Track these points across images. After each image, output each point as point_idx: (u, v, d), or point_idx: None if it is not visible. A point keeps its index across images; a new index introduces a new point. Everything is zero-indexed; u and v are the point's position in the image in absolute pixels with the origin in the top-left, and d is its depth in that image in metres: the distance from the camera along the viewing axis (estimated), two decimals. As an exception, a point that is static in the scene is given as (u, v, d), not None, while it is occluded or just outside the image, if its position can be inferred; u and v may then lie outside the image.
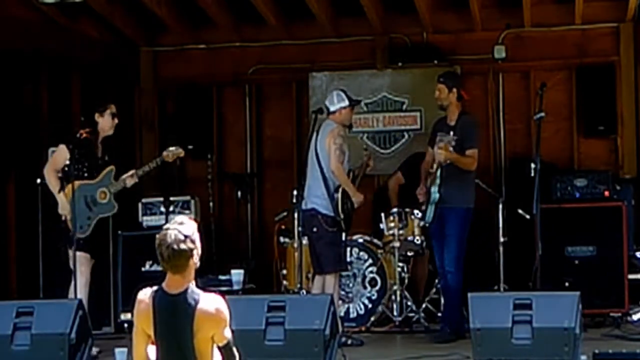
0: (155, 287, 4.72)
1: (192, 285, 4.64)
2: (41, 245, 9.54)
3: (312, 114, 9.21)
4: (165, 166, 8.71)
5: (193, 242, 4.61)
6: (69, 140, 8.38)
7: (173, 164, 8.79)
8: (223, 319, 4.62)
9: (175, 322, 4.57)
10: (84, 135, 8.42)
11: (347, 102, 8.66)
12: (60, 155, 8.33)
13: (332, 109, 8.71)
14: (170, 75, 11.59)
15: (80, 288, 8.06)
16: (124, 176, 8.48)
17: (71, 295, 8.05)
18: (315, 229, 8.57)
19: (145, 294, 4.71)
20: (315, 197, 8.55)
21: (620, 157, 10.69)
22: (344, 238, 8.63)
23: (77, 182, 8.23)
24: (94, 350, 8.11)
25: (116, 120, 8.50)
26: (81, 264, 8.13)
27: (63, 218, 8.26)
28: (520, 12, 10.49)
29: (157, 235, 4.63)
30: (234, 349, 4.72)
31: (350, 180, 8.67)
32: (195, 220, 4.78)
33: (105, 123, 8.45)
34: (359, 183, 8.86)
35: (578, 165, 10.73)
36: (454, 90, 8.71)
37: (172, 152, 8.64)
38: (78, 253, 8.09)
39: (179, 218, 4.70)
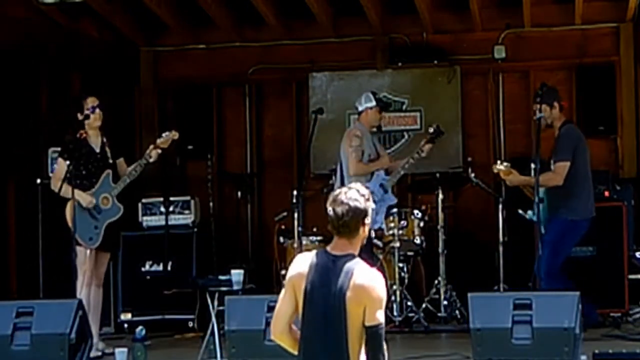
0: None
1: (356, 254, 4.42)
2: (41, 245, 9.54)
3: (312, 114, 9.24)
4: (165, 166, 8.65)
5: (367, 212, 4.41)
6: (63, 150, 8.28)
7: (173, 164, 8.76)
8: (378, 295, 4.30)
9: (329, 280, 4.33)
10: (84, 135, 8.36)
11: (373, 103, 8.79)
12: (60, 168, 8.25)
13: (359, 108, 8.93)
14: (170, 75, 11.59)
15: (80, 286, 8.06)
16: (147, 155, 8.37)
17: (79, 295, 8.00)
18: None
19: (305, 253, 4.50)
20: None
21: (620, 157, 10.69)
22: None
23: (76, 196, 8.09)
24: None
25: (99, 112, 8.30)
26: (82, 262, 8.11)
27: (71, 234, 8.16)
28: (520, 12, 10.49)
29: (333, 193, 4.47)
30: (383, 341, 4.29)
31: (394, 172, 8.93)
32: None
33: (94, 120, 8.30)
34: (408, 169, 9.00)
35: (578, 165, 10.72)
36: (555, 104, 8.41)
37: (165, 137, 8.38)
38: (79, 248, 8.07)
39: (357, 185, 4.51)
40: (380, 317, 4.30)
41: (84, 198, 8.13)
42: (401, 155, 10.59)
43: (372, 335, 4.29)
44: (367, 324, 4.29)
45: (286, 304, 4.47)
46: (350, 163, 8.63)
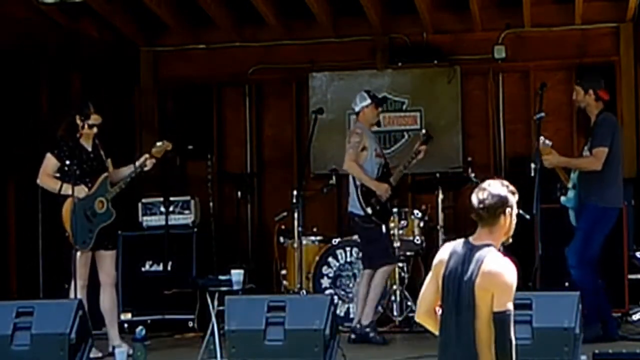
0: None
1: (495, 245, 4.53)
2: (41, 245, 9.54)
3: (312, 114, 9.25)
4: (165, 166, 8.64)
5: (509, 202, 4.52)
6: (54, 146, 8.28)
7: (173, 164, 8.74)
8: (505, 281, 4.40)
9: (464, 268, 4.47)
10: (81, 134, 8.32)
11: (368, 101, 8.84)
12: (49, 163, 8.24)
13: (356, 109, 8.95)
14: (170, 75, 11.59)
15: (78, 290, 8.02)
16: (138, 162, 8.39)
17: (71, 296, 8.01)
18: (355, 229, 8.96)
19: (453, 241, 4.65)
20: (351, 199, 8.79)
21: (620, 157, 10.67)
22: (384, 230, 8.74)
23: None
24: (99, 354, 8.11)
25: (95, 130, 8.28)
26: (80, 265, 8.08)
27: (66, 234, 8.11)
28: (520, 12, 10.49)
29: (481, 184, 4.60)
30: (509, 328, 4.38)
31: (396, 170, 8.93)
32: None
33: (91, 132, 8.26)
34: (408, 169, 9.06)
35: (578, 165, 10.72)
36: (590, 91, 8.38)
37: (159, 147, 8.48)
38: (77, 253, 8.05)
39: (503, 181, 4.63)
40: (507, 304, 4.39)
41: (78, 190, 8.10)
42: (401, 155, 10.59)
43: (498, 321, 4.39)
44: (494, 309, 4.39)
45: (429, 288, 4.61)
46: (346, 157, 8.70)
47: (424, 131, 9.35)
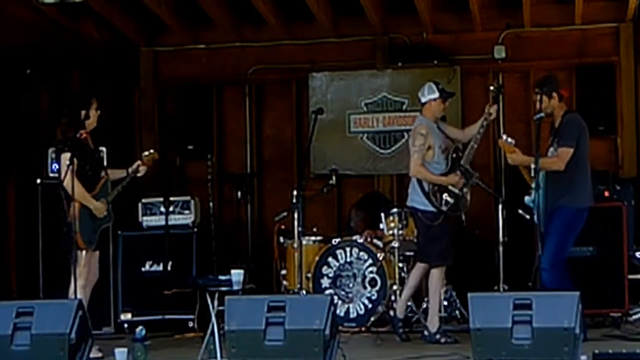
0: None
1: None
2: (41, 245, 9.54)
3: (312, 114, 9.24)
4: (165, 166, 8.65)
5: None
6: (69, 147, 8.23)
7: (173, 164, 8.75)
8: None
9: None
10: (84, 135, 8.32)
11: (437, 94, 8.66)
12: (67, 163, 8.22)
13: (422, 100, 8.75)
14: (170, 75, 11.60)
15: (79, 289, 8.01)
16: (131, 168, 8.42)
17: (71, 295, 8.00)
18: (415, 223, 8.85)
19: None
20: (414, 195, 8.65)
21: (620, 157, 10.69)
22: (445, 230, 8.64)
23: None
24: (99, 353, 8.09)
25: (99, 112, 8.30)
26: (83, 264, 8.07)
27: (72, 234, 8.09)
28: (520, 12, 10.50)
29: None
30: None
31: (466, 151, 8.72)
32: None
33: (92, 118, 8.25)
34: (483, 134, 8.76)
35: (578, 165, 10.72)
36: (554, 94, 8.33)
37: (147, 156, 8.52)
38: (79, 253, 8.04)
39: None
40: None
41: (99, 209, 8.13)
42: (401, 155, 10.58)
43: None
44: None
45: None
46: (412, 163, 8.54)
47: (492, 87, 8.91)
